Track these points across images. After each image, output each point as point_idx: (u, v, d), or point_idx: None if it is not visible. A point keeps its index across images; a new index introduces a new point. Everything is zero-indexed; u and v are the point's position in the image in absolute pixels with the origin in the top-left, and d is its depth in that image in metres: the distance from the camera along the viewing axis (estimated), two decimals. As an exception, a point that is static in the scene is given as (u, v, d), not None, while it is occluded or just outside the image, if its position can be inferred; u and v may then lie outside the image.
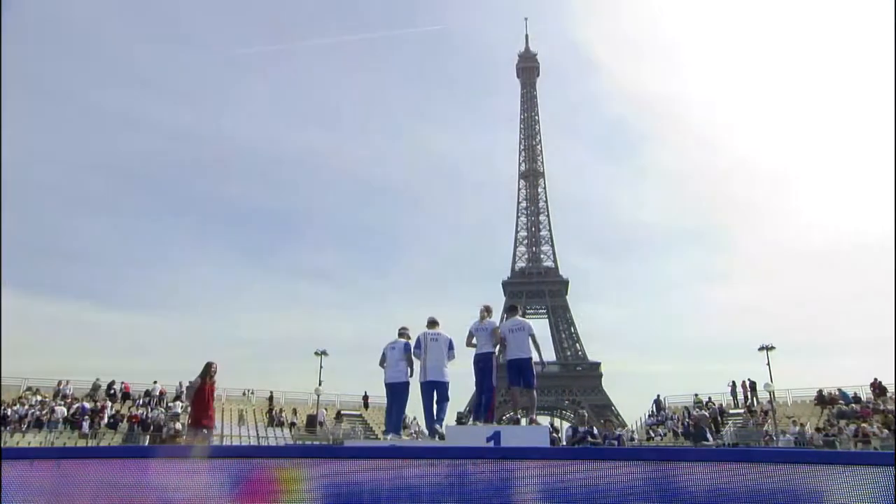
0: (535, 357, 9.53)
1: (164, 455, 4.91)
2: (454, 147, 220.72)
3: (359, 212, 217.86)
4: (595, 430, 12.38)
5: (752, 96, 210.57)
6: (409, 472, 4.89)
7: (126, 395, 30.29)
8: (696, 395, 32.62)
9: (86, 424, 25.72)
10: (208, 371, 9.92)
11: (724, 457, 4.69)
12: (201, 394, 9.85)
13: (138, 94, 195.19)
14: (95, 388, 29.70)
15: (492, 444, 9.10)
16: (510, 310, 10.19)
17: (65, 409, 26.53)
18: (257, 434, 29.02)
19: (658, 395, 35.33)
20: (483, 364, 9.43)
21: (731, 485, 4.32)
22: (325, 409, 33.44)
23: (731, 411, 31.77)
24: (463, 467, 5.02)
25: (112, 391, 29.91)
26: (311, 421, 30.86)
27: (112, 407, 28.18)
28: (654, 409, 34.73)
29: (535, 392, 9.64)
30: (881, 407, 27.44)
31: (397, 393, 9.42)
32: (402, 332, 9.63)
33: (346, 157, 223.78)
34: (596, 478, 4.63)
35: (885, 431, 24.42)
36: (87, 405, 27.19)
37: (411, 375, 9.38)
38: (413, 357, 9.29)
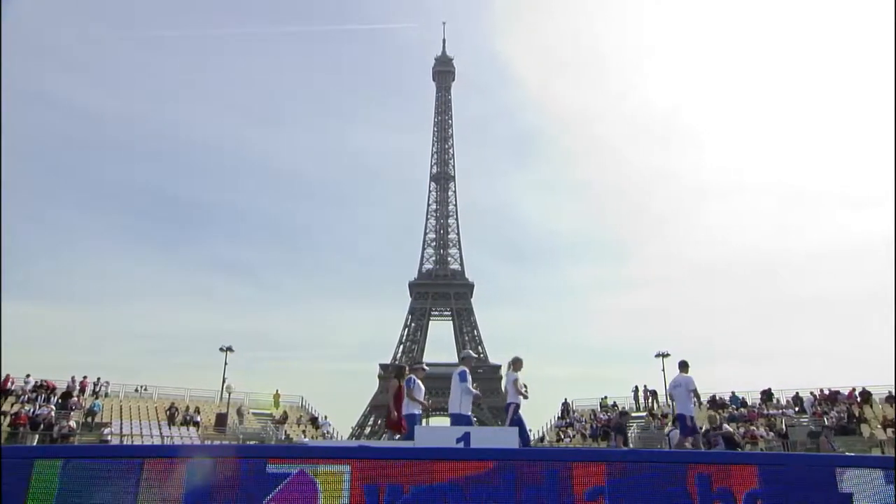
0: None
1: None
2: (375, 145, 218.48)
3: (276, 206, 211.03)
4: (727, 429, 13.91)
5: (660, 113, 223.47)
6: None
7: (6, 392, 27.36)
8: (604, 398, 34.33)
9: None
10: (402, 373, 10.32)
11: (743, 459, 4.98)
12: (401, 396, 10.10)
13: (42, 69, 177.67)
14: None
15: (461, 444, 9.16)
16: (682, 365, 11.73)
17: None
18: (161, 433, 27.19)
19: (566, 399, 36.85)
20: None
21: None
22: (238, 409, 32.05)
23: (633, 414, 33.65)
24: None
25: (-11, 385, 26.90)
26: (221, 420, 29.36)
27: (-8, 403, 25.38)
28: (562, 412, 36.14)
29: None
30: (765, 411, 30.22)
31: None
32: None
33: (266, 149, 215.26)
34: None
35: (771, 433, 26.88)
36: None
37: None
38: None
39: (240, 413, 31.13)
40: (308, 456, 4.58)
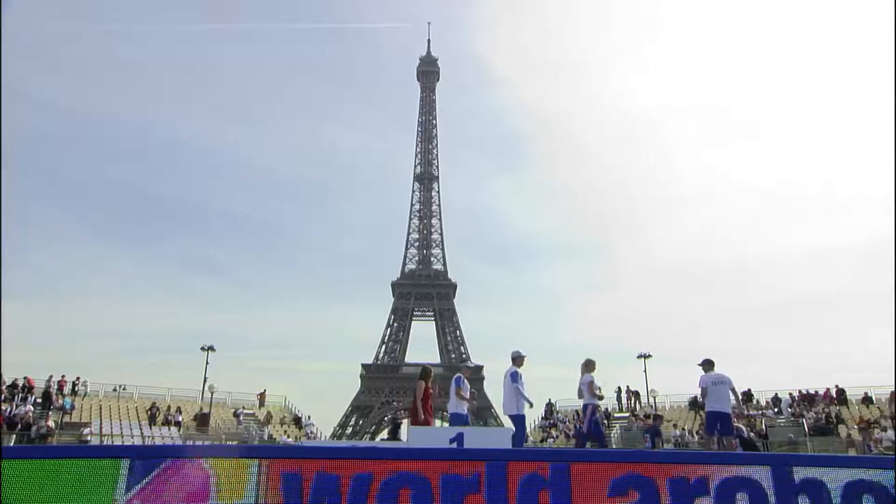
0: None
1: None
2: (359, 145, 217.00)
3: (258, 205, 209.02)
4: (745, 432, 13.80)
5: (643, 115, 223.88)
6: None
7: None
8: (587, 398, 34.53)
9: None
10: (429, 375, 10.67)
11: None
12: (428, 397, 10.39)
13: (15, 64, 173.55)
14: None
15: (455, 445, 9.21)
16: (707, 363, 11.30)
17: None
18: (141, 433, 26.83)
19: (550, 399, 37.12)
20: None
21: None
22: (235, 412, 31.86)
23: (616, 415, 33.93)
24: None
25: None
26: (204, 419, 29.07)
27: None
28: (546, 413, 36.35)
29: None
30: (745, 412, 30.64)
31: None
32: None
33: (247, 148, 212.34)
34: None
35: (751, 434, 27.27)
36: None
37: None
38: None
39: (237, 415, 30.88)
40: (313, 456, 4.57)
